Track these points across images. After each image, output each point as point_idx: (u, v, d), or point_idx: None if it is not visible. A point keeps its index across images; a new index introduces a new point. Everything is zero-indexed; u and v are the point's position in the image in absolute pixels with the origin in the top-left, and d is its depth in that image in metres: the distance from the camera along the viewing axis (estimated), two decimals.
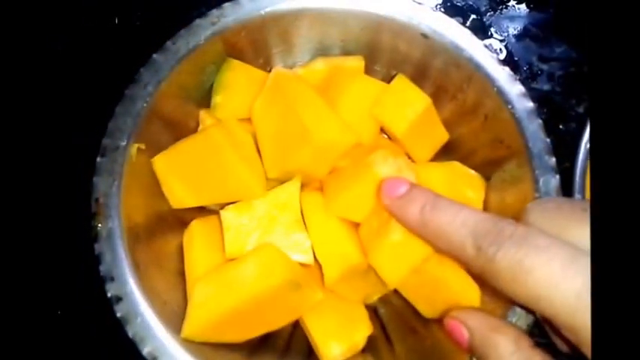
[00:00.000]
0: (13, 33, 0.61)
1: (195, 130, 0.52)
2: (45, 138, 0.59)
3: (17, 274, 0.55)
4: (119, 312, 0.41)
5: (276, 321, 0.46)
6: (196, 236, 0.48)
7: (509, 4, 0.68)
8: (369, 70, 0.55)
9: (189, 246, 0.48)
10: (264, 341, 0.47)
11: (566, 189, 0.47)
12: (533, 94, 0.49)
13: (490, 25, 0.67)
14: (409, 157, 0.52)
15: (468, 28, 0.50)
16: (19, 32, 0.61)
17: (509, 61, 0.65)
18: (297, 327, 0.49)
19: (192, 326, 0.42)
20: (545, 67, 0.65)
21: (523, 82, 0.49)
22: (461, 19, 0.66)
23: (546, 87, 0.64)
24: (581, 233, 0.32)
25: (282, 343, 0.48)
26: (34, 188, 0.57)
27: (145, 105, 0.46)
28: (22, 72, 0.60)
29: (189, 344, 0.42)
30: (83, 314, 0.53)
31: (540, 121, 0.47)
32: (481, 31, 0.67)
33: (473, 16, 0.67)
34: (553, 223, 0.34)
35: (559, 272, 0.30)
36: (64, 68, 0.60)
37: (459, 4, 0.68)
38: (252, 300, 0.42)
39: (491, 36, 0.67)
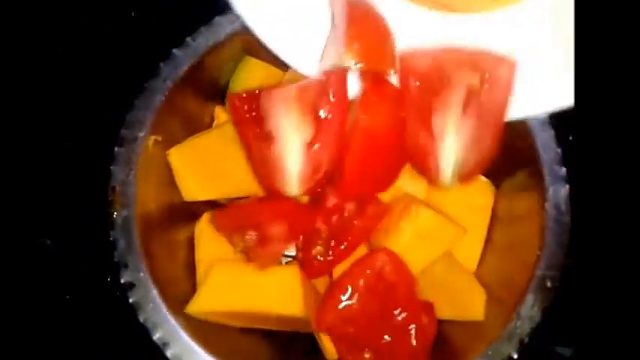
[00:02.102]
0: (40, 27, 0.62)
1: (209, 126, 0.53)
2: (67, 127, 0.60)
3: (33, 259, 0.56)
4: (132, 298, 0.42)
5: (277, 327, 0.47)
6: (208, 229, 0.49)
7: None
8: None
9: (200, 238, 0.49)
10: (269, 334, 0.48)
11: (574, 199, 0.47)
12: None
13: None
14: None
15: None
16: (45, 24, 0.62)
17: None
18: None
19: (199, 305, 0.43)
20: None
21: None
22: None
23: None
24: None
25: (286, 335, 0.49)
26: (52, 176, 0.58)
27: (163, 99, 0.47)
28: (47, 63, 0.61)
29: (199, 331, 0.43)
30: (96, 300, 0.54)
31: (552, 131, 0.48)
32: None
33: None
34: None
35: None
36: (88, 61, 0.61)
37: None
38: (261, 313, 0.43)
39: None
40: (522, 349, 0.43)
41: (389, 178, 0.45)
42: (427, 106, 0.40)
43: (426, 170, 0.42)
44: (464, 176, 0.42)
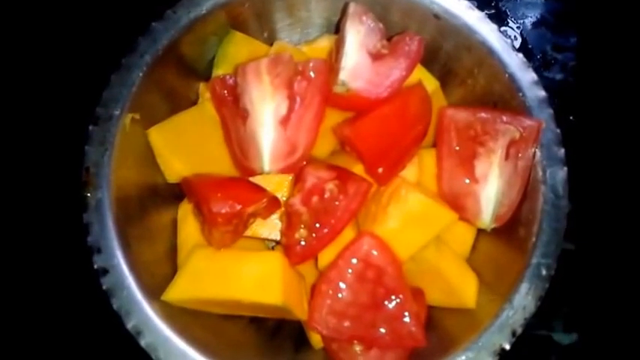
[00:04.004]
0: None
1: (194, 104, 0.51)
2: (39, 105, 0.58)
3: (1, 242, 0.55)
4: (105, 284, 0.40)
5: (259, 314, 0.46)
6: (191, 211, 0.47)
7: None
8: None
9: (184, 220, 0.47)
10: (255, 321, 0.47)
11: (574, 181, 0.45)
12: (545, 82, 0.48)
13: (506, 12, 0.65)
14: None
15: (486, 14, 0.48)
16: None
17: (523, 49, 0.63)
18: None
19: (177, 292, 0.41)
20: (559, 56, 0.63)
21: (536, 70, 0.48)
22: (476, 3, 0.65)
23: (559, 76, 0.62)
24: None
25: (273, 322, 0.48)
26: (24, 155, 0.57)
27: (141, 74, 0.45)
28: (18, 35, 0.59)
29: (177, 319, 0.41)
30: (68, 286, 0.53)
31: (551, 110, 0.46)
32: (497, 17, 0.65)
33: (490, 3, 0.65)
34: None
35: None
36: (62, 34, 0.59)
37: None
38: (239, 301, 0.41)
39: (507, 24, 0.65)
40: (517, 336, 0.41)
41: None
42: (470, 153, 0.45)
43: (465, 210, 0.44)
44: (498, 217, 0.44)
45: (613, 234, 0.56)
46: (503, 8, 0.66)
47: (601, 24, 0.63)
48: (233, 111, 0.45)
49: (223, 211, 0.40)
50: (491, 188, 0.44)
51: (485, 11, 0.63)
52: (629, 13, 0.62)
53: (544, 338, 0.54)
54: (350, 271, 0.41)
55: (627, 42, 0.62)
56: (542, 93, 0.46)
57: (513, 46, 0.48)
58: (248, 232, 0.45)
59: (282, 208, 0.44)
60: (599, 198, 0.57)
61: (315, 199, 0.42)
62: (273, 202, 0.43)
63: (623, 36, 0.62)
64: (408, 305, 0.41)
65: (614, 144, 0.59)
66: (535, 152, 0.44)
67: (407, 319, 0.41)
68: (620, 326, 0.54)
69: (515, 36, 0.64)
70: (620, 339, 0.54)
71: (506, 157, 0.44)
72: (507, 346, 0.40)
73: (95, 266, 0.41)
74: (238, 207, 0.40)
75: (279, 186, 0.45)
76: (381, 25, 0.46)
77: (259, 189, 0.43)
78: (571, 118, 0.59)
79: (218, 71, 0.50)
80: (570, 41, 0.64)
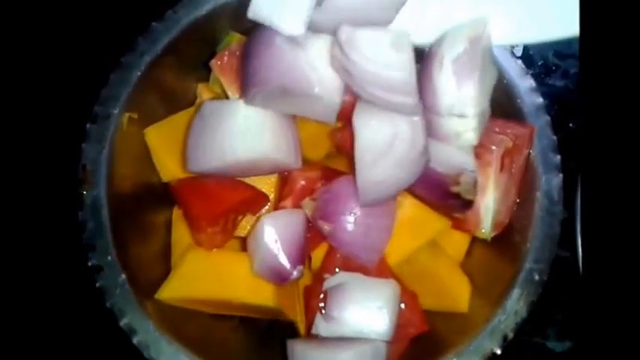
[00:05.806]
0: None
1: (192, 105, 0.51)
2: (38, 102, 0.58)
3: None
4: (99, 282, 0.41)
5: (252, 315, 0.46)
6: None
7: None
8: None
9: (178, 220, 0.47)
10: (246, 321, 0.47)
11: (570, 188, 0.45)
12: (545, 89, 0.48)
13: None
14: None
15: None
16: None
17: (524, 55, 0.63)
18: None
19: (170, 291, 0.42)
20: (560, 63, 0.63)
21: (537, 77, 0.48)
22: None
23: (559, 83, 0.62)
24: None
25: (264, 322, 0.48)
26: (21, 153, 0.57)
27: (139, 74, 0.45)
28: (18, 35, 0.59)
29: (170, 318, 0.41)
30: (63, 284, 0.53)
31: (548, 117, 0.46)
32: None
33: None
34: None
35: None
36: (63, 33, 0.59)
37: None
38: (231, 301, 0.42)
39: None
40: (511, 343, 0.41)
41: None
42: None
43: (465, 222, 0.44)
44: (497, 225, 0.44)
45: (613, 242, 0.56)
46: None
47: (604, 30, 0.63)
48: None
49: (204, 213, 0.40)
50: (489, 199, 0.44)
51: None
52: (632, 20, 0.62)
53: (538, 346, 0.54)
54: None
55: (630, 48, 0.62)
56: (540, 100, 0.46)
57: (512, 53, 0.48)
58: (243, 233, 0.45)
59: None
60: (603, 206, 0.56)
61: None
62: (261, 198, 0.43)
63: (626, 43, 0.62)
64: (400, 294, 0.42)
65: (615, 152, 0.59)
66: (529, 155, 0.44)
67: (402, 307, 0.42)
68: (615, 335, 0.53)
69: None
70: (614, 347, 0.53)
71: (502, 167, 0.44)
72: (498, 351, 0.40)
73: (89, 263, 0.41)
74: (218, 207, 0.40)
75: (271, 187, 0.45)
76: None
77: (242, 186, 0.43)
78: (570, 125, 0.59)
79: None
80: (572, 48, 0.63)
